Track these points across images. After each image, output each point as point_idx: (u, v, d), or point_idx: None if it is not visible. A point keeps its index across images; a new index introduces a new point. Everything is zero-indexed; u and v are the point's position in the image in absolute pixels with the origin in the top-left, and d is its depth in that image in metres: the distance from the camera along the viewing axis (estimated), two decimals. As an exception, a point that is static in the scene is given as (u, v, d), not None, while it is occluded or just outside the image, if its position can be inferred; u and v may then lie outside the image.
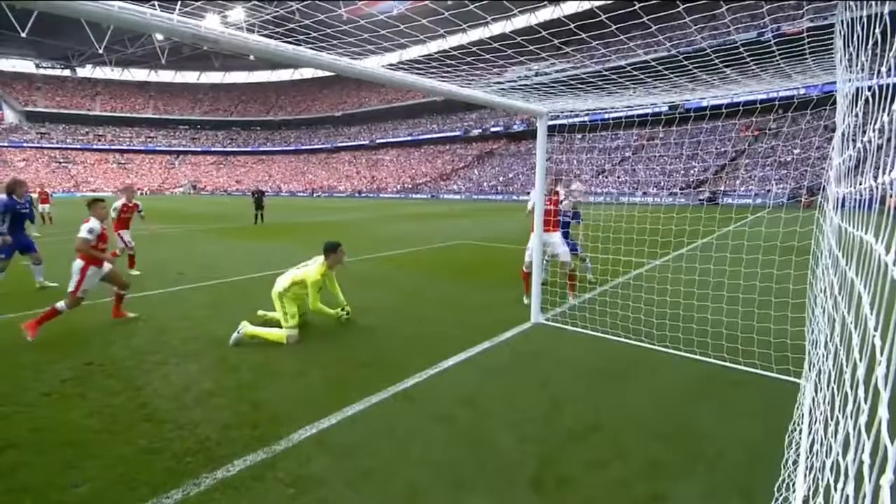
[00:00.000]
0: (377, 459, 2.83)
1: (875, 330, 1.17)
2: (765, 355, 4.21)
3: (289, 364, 4.31)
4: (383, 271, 9.00)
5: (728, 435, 3.11)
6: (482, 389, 3.83)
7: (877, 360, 1.03)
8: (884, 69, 1.59)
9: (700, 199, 33.66)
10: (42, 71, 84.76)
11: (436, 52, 5.04)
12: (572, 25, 4.59)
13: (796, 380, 3.86)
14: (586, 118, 7.58)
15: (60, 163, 76.89)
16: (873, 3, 1.85)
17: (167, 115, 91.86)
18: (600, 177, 46.51)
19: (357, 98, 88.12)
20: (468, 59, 4.51)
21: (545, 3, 44.66)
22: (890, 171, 1.25)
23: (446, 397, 3.68)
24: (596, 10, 4.91)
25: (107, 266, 5.47)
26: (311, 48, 3.52)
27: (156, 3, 2.82)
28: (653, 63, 4.44)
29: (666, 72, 4.35)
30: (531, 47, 5.00)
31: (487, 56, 4.94)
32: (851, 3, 2.34)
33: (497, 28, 45.91)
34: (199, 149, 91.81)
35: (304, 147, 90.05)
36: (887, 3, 1.74)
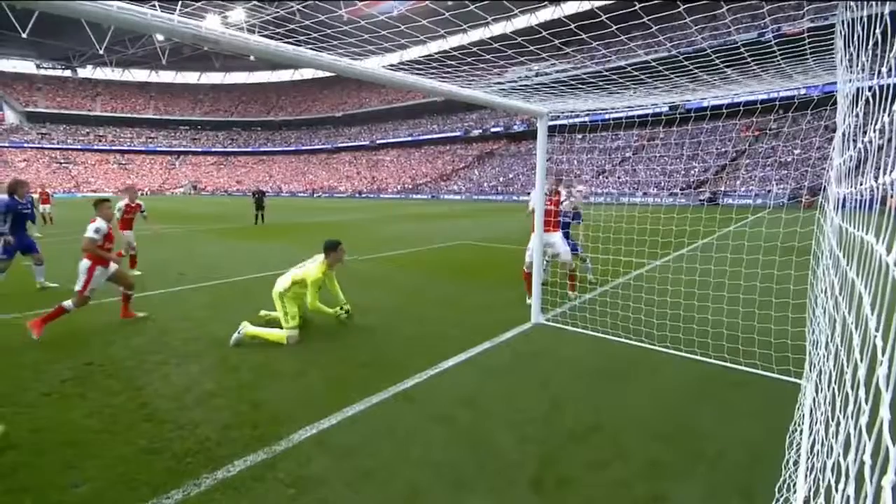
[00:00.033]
0: (377, 460, 2.83)
1: (876, 330, 1.17)
2: (765, 356, 4.20)
3: (289, 364, 4.31)
4: (384, 271, 9.00)
5: (729, 435, 3.11)
6: (482, 390, 3.82)
7: (878, 361, 1.03)
8: (884, 69, 1.59)
9: (700, 200, 33.63)
10: (43, 71, 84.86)
11: (436, 53, 5.04)
12: (573, 26, 4.59)
13: (797, 380, 3.86)
14: (587, 118, 7.58)
15: (61, 163, 76.95)
16: (874, 3, 1.85)
17: (168, 115, 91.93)
18: (601, 177, 46.50)
19: (357, 98, 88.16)
20: (468, 60, 4.51)
21: (546, 3, 44.68)
22: (890, 171, 1.24)
23: (446, 398, 3.68)
24: (596, 11, 4.91)
25: (112, 266, 5.50)
26: (311, 49, 3.52)
27: (156, 3, 2.82)
28: (653, 63, 4.44)
29: (666, 72, 4.35)
30: (532, 48, 5.01)
31: (488, 56, 4.94)
32: (852, 3, 2.34)
33: (497, 28, 45.91)
34: (199, 149, 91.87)
35: (304, 147, 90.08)
36: (888, 3, 1.74)
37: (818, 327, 3.32)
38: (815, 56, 3.67)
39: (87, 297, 5.24)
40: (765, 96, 5.38)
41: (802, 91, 4.83)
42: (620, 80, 4.72)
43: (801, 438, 2.85)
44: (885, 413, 0.94)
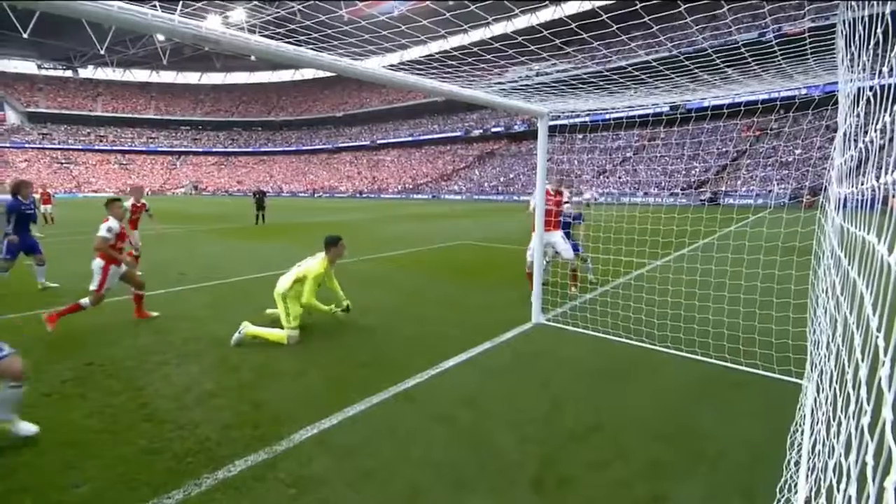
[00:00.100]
0: (378, 460, 2.83)
1: (878, 331, 1.17)
2: (766, 356, 4.19)
3: (290, 364, 4.31)
4: (384, 271, 9.00)
5: (729, 435, 3.11)
6: (483, 390, 3.82)
7: (880, 361, 1.02)
8: (885, 69, 1.58)
9: (701, 200, 33.60)
10: (44, 72, 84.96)
11: (437, 53, 5.04)
12: (573, 25, 4.59)
13: (798, 380, 3.85)
14: (587, 118, 7.58)
15: (62, 163, 77.04)
16: (875, 3, 1.84)
17: (169, 115, 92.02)
18: (601, 177, 46.48)
19: (358, 98, 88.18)
20: (469, 60, 4.51)
21: (546, 3, 44.67)
22: (892, 171, 1.24)
23: (447, 398, 3.67)
24: (597, 10, 4.91)
25: (123, 265, 5.58)
26: (312, 49, 3.52)
27: (157, 3, 2.83)
28: (654, 63, 4.43)
29: (667, 72, 4.34)
30: (532, 47, 5.01)
31: (488, 56, 4.94)
32: (853, 3, 2.34)
33: (498, 28, 45.90)
34: (200, 149, 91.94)
35: (305, 147, 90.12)
36: (889, 3, 1.74)
37: (819, 327, 3.32)
38: (815, 56, 3.67)
39: (103, 296, 5.36)
40: (766, 96, 5.38)
41: (803, 91, 4.83)
42: (621, 80, 4.72)
43: (802, 439, 2.85)
44: (887, 413, 0.93)
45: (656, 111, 8.80)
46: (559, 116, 5.91)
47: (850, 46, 2.36)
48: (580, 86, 4.80)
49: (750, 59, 4.00)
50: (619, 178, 45.29)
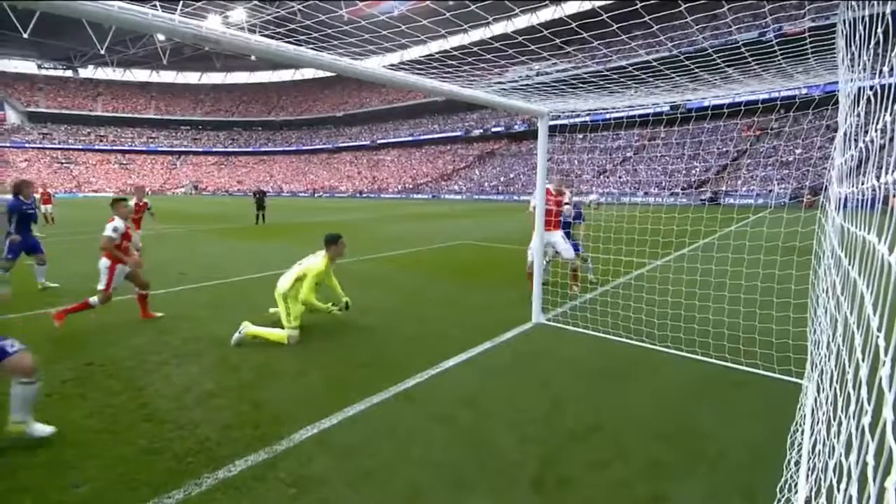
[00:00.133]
0: (378, 459, 2.83)
1: (878, 330, 1.17)
2: (766, 356, 4.19)
3: (290, 364, 4.31)
4: (384, 271, 9.00)
5: (730, 435, 3.11)
6: (483, 390, 3.82)
7: (880, 361, 1.02)
8: (886, 69, 1.58)
9: (702, 199, 33.60)
10: (44, 72, 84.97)
11: (437, 53, 5.04)
12: (574, 25, 4.58)
13: (798, 380, 3.85)
14: (588, 118, 7.57)
15: (62, 163, 77.06)
16: (875, 2, 1.84)
17: (169, 115, 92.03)
18: (601, 177, 46.48)
19: (358, 98, 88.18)
20: (469, 60, 4.51)
21: (546, 2, 44.65)
22: (892, 170, 1.24)
23: (447, 397, 3.67)
24: (597, 10, 4.91)
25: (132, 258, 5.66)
26: (312, 48, 3.52)
27: (157, 3, 2.82)
28: (654, 63, 4.43)
29: (667, 71, 4.34)
30: (532, 47, 5.00)
31: (489, 56, 4.94)
32: (853, 2, 2.34)
33: (498, 28, 45.88)
34: (200, 149, 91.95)
35: (305, 147, 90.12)
36: (889, 3, 1.73)
37: (819, 327, 3.32)
38: (816, 55, 3.66)
39: (111, 295, 5.45)
40: (766, 96, 5.38)
41: (804, 91, 4.83)
42: (621, 80, 4.72)
43: (802, 438, 2.85)
44: (887, 413, 0.93)
45: (656, 111, 8.81)
46: (559, 116, 5.91)
47: (851, 46, 2.36)
48: (580, 85, 4.80)
49: (750, 59, 3.99)
50: (620, 177, 45.29)
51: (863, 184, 1.87)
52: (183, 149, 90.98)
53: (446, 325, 5.52)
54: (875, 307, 1.25)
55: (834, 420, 1.78)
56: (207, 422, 3.24)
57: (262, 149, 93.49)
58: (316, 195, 69.84)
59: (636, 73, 4.59)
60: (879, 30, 1.74)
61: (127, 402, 3.55)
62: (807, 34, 3.43)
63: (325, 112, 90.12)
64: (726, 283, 5.15)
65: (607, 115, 6.00)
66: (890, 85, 1.45)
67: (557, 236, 6.63)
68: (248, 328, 4.78)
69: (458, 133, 71.82)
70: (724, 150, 40.54)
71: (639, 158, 46.40)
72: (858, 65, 2.17)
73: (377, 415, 3.40)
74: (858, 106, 2.23)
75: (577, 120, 8.31)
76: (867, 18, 1.96)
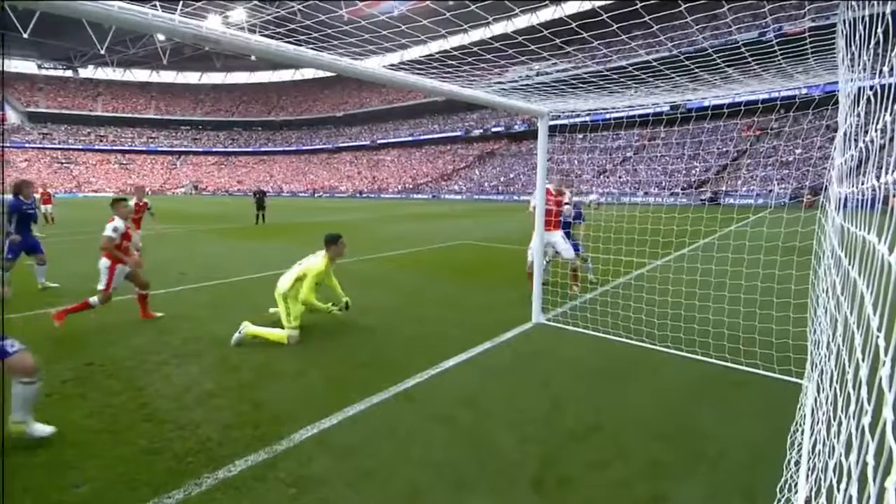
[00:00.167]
0: (378, 459, 2.83)
1: (878, 330, 1.17)
2: (766, 356, 4.19)
3: (290, 364, 4.31)
4: (384, 271, 9.00)
5: (730, 435, 3.11)
6: (483, 390, 3.82)
7: (881, 361, 1.02)
8: (886, 69, 1.58)
9: (702, 199, 33.60)
10: (44, 72, 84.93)
11: (437, 53, 5.04)
12: (574, 25, 4.58)
13: (798, 380, 3.85)
14: (588, 118, 7.57)
15: (62, 163, 77.06)
16: (875, 2, 1.84)
17: (169, 115, 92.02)
18: (601, 177, 46.47)
19: (358, 98, 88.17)
20: (469, 60, 4.51)
21: (546, 2, 44.63)
22: (892, 170, 1.24)
23: (447, 397, 3.67)
24: (597, 10, 4.90)
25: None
26: (312, 49, 3.52)
27: (157, 3, 2.83)
28: (654, 63, 4.43)
29: (667, 71, 4.34)
30: (532, 47, 5.00)
31: (489, 56, 4.94)
32: (853, 3, 2.34)
33: (498, 28, 45.86)
34: (200, 149, 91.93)
35: (305, 147, 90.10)
36: (889, 2, 1.73)
37: (819, 327, 3.32)
38: (816, 55, 3.66)
39: (111, 295, 5.46)
40: (766, 96, 5.38)
41: (804, 91, 4.83)
42: (621, 80, 4.72)
43: (802, 438, 2.85)
44: (887, 413, 0.93)
45: (656, 111, 8.80)
46: (559, 116, 5.91)
47: (851, 46, 2.36)
48: (580, 85, 4.80)
49: (750, 59, 3.99)
50: (620, 177, 45.29)
51: (863, 184, 1.87)
52: (183, 149, 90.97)
53: (446, 325, 5.52)
54: (875, 307, 1.25)
55: (834, 420, 1.78)
56: (207, 422, 3.24)
57: (262, 149, 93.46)
58: (316, 195, 69.84)
59: (636, 73, 4.59)
60: (879, 30, 1.74)
61: (127, 402, 3.55)
62: (807, 34, 3.43)
63: (325, 112, 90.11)
64: (726, 283, 5.15)
65: (607, 115, 6.00)
66: (890, 85, 1.45)
67: (557, 236, 6.64)
68: (247, 328, 4.78)
69: (458, 133, 71.82)
70: (724, 150, 40.54)
71: (639, 158, 46.39)
72: (858, 65, 2.17)
73: (377, 415, 3.40)
74: (858, 106, 2.23)
75: (577, 120, 8.31)
76: (867, 18, 1.96)
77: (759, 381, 3.94)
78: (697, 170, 40.33)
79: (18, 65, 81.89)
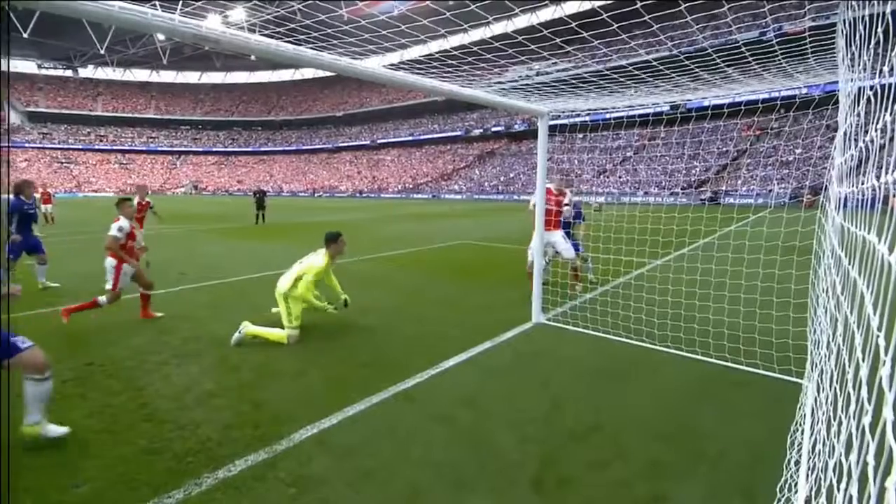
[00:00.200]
0: (378, 459, 2.83)
1: (879, 330, 1.17)
2: (766, 355, 4.19)
3: (290, 364, 4.31)
4: (384, 271, 9.00)
5: (730, 435, 3.11)
6: (483, 390, 3.82)
7: (881, 361, 1.02)
8: (886, 68, 1.58)
9: (702, 199, 33.60)
10: (44, 71, 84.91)
11: (437, 52, 5.03)
12: (574, 24, 4.59)
13: (798, 380, 3.85)
14: (588, 118, 7.57)
15: (62, 163, 77.08)
16: (875, 2, 1.84)
17: (169, 115, 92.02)
18: (601, 177, 46.47)
19: (358, 98, 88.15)
20: (469, 59, 4.51)
21: (546, 2, 44.62)
22: (892, 170, 1.24)
23: (447, 397, 3.67)
24: (597, 10, 4.90)
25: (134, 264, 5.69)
26: (311, 48, 3.52)
27: (157, 3, 2.82)
28: (654, 62, 4.43)
29: (667, 71, 4.34)
30: (532, 47, 5.00)
31: (489, 56, 4.94)
32: (853, 2, 2.34)
33: (498, 28, 45.84)
34: (200, 149, 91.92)
35: (305, 147, 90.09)
36: (889, 2, 1.73)
37: (819, 327, 3.32)
38: (816, 55, 3.66)
39: (119, 294, 5.50)
40: (766, 95, 5.38)
41: (804, 90, 4.83)
42: (621, 80, 4.72)
43: (802, 438, 2.85)
44: (888, 413, 0.93)
45: (657, 111, 8.81)
46: (559, 116, 5.91)
47: (851, 46, 2.36)
48: (580, 85, 4.80)
49: (750, 59, 3.99)
50: (620, 177, 45.29)
51: (863, 183, 1.87)
52: (183, 148, 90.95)
53: (446, 325, 5.52)
54: (875, 307, 1.25)
55: (834, 420, 1.78)
56: (207, 422, 3.24)
57: (262, 148, 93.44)
58: (316, 195, 69.83)
59: (636, 72, 4.58)
60: (879, 29, 1.74)
61: (127, 402, 3.55)
62: (807, 34, 3.42)
63: (324, 112, 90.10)
64: (726, 282, 5.15)
65: (607, 115, 6.00)
66: (890, 85, 1.45)
67: (558, 236, 6.63)
68: (247, 328, 4.78)
69: (458, 133, 71.80)
70: (724, 149, 40.54)
71: (639, 158, 46.39)
72: (858, 64, 2.17)
73: (377, 415, 3.39)
74: (858, 105, 2.23)
75: (577, 120, 8.30)
76: (867, 18, 1.96)
77: (759, 381, 3.94)
78: (697, 169, 40.33)
79: (18, 64, 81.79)
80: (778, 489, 2.47)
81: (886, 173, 1.30)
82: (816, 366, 3.18)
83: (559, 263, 7.47)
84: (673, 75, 4.40)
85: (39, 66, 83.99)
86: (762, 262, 4.87)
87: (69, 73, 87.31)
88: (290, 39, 3.48)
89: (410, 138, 77.01)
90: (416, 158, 74.91)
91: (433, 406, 3.53)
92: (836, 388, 1.91)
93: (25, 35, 60.35)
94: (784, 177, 32.41)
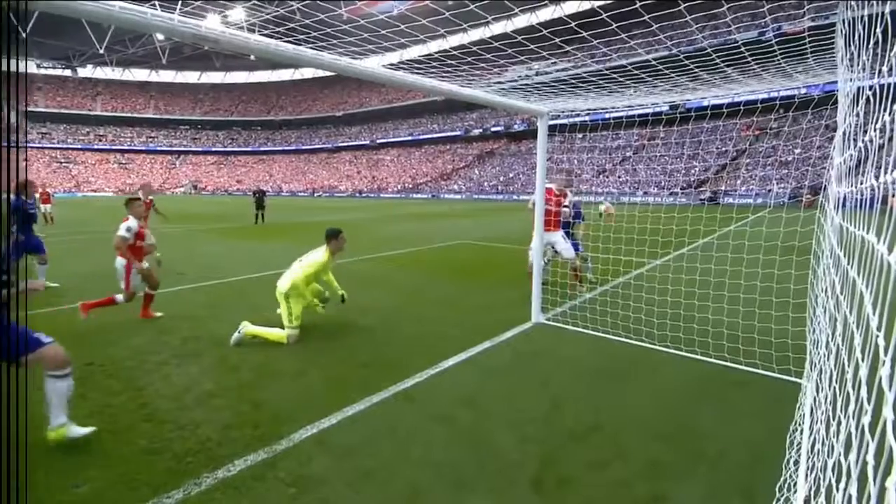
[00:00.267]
0: (378, 459, 2.83)
1: (878, 330, 1.17)
2: (766, 355, 4.20)
3: (289, 364, 4.31)
4: (383, 271, 9.00)
5: (729, 435, 3.11)
6: (483, 389, 3.82)
7: (880, 360, 1.02)
8: (885, 68, 1.58)
9: (701, 199, 33.64)
10: (43, 71, 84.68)
11: (436, 52, 5.04)
12: (573, 24, 4.59)
13: (797, 380, 3.86)
14: (587, 118, 7.57)
15: (61, 163, 77.02)
16: (874, 2, 1.84)
17: (168, 115, 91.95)
18: (601, 176, 46.49)
19: (358, 98, 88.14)
20: (469, 59, 4.51)
21: (546, 2, 44.61)
22: (891, 170, 1.24)
23: (447, 397, 3.67)
24: (597, 9, 4.90)
25: (144, 262, 5.72)
26: (311, 48, 3.52)
27: (157, 3, 2.82)
28: (654, 62, 4.43)
29: (667, 71, 4.34)
30: (532, 46, 5.00)
31: (488, 55, 4.94)
32: (853, 2, 2.34)
33: (498, 27, 45.84)
34: (199, 149, 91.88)
35: (304, 147, 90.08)
36: (888, 2, 1.74)
37: (819, 327, 3.32)
38: (815, 55, 3.67)
39: (134, 293, 5.57)
40: (765, 95, 5.39)
41: (803, 90, 4.83)
42: (621, 79, 4.72)
43: (801, 438, 2.85)
44: (887, 413, 0.93)
45: (656, 110, 8.81)
46: (559, 116, 5.91)
47: (850, 46, 2.36)
48: (580, 85, 4.80)
49: (750, 59, 4.00)
50: (619, 177, 45.32)
51: (862, 183, 1.87)
52: (182, 148, 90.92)
53: (446, 324, 5.53)
54: (874, 306, 1.25)
55: (833, 419, 1.78)
56: (207, 422, 3.24)
57: (262, 148, 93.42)
58: (315, 195, 69.83)
59: (636, 72, 4.59)
60: (879, 29, 1.74)
61: (127, 402, 3.55)
62: (806, 34, 3.43)
63: (324, 112, 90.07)
64: (725, 282, 5.15)
65: (607, 115, 6.00)
66: (889, 85, 1.45)
67: (557, 236, 6.63)
68: (247, 328, 4.78)
69: (458, 133, 71.82)
70: (724, 149, 40.59)
71: (638, 158, 46.43)
72: (858, 64, 2.17)
73: (377, 415, 3.40)
74: (857, 105, 2.23)
75: (577, 120, 8.29)
76: (866, 18, 1.96)
77: (759, 381, 3.95)
78: (697, 169, 40.36)
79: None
80: (777, 489, 2.48)
81: (885, 173, 1.30)
82: (815, 365, 3.18)
83: (559, 263, 7.48)
84: (672, 75, 4.41)
85: (38, 66, 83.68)
86: (761, 262, 4.87)
87: (68, 72, 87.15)
88: (290, 39, 3.48)
89: (410, 138, 77.02)
90: (415, 158, 74.92)
91: (433, 406, 3.53)
92: (835, 388, 1.91)
93: (24, 34, 60.20)
94: (783, 177, 32.43)
